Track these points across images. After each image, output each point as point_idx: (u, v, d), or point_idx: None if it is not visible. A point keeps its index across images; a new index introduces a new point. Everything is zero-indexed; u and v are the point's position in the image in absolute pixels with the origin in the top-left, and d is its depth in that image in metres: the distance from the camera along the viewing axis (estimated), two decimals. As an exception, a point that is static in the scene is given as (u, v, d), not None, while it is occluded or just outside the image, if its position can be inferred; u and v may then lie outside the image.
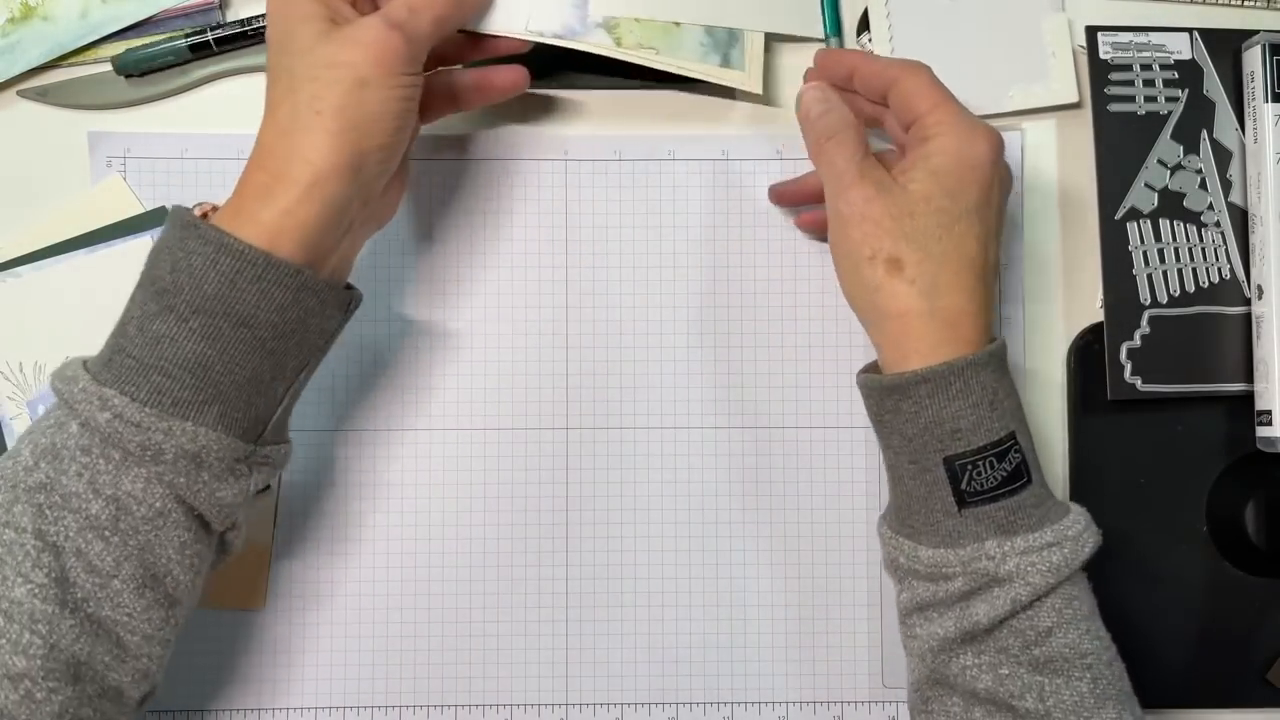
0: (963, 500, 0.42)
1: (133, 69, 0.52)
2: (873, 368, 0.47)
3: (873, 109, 0.48)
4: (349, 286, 0.45)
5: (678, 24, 0.48)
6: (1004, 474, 0.42)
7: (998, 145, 0.44)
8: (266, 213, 0.40)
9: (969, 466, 0.42)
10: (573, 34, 0.48)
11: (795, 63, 0.53)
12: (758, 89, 0.51)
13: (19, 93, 0.53)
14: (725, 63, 0.49)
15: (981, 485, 0.42)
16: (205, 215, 0.42)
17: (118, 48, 0.52)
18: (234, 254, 0.39)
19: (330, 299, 0.42)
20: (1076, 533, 0.42)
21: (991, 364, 0.42)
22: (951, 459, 0.42)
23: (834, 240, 0.45)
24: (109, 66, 0.52)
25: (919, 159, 0.44)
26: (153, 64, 0.52)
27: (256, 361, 0.40)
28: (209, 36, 0.52)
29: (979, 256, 0.43)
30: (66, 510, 0.38)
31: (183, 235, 0.40)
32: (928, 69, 0.46)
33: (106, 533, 0.39)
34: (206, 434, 0.39)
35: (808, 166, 0.53)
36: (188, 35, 0.52)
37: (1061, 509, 0.43)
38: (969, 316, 0.43)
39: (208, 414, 0.40)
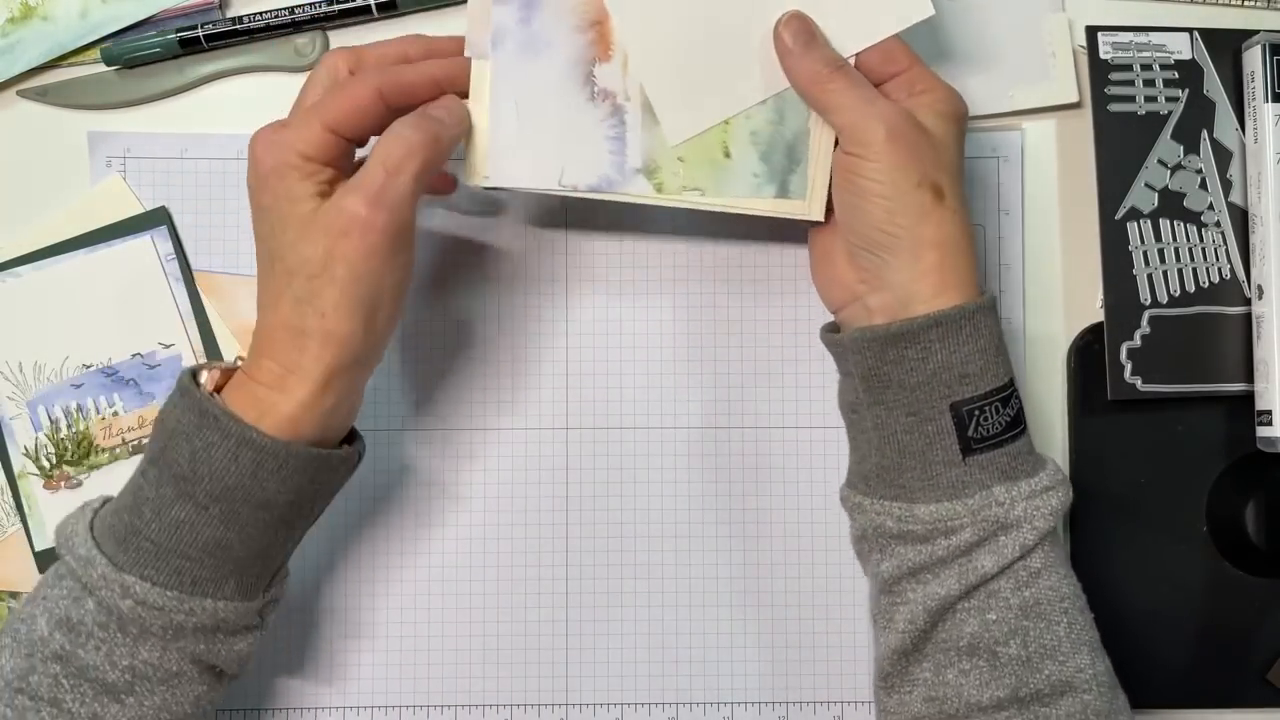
0: (969, 447, 0.42)
1: (119, 60, 0.52)
2: (835, 327, 0.47)
3: None
4: (354, 435, 0.45)
5: (728, 155, 0.44)
6: (1008, 419, 0.42)
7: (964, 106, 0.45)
8: (286, 405, 0.40)
9: (976, 412, 0.42)
10: (610, 185, 0.45)
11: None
12: (820, 216, 0.46)
13: (19, 93, 0.53)
14: (783, 192, 0.45)
15: (988, 431, 0.42)
16: (217, 386, 0.42)
17: (117, 47, 0.53)
18: (256, 448, 0.40)
19: (345, 467, 0.43)
20: (1063, 476, 0.43)
21: (994, 309, 0.43)
22: (959, 404, 0.42)
23: (867, 169, 0.43)
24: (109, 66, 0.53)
25: (922, 104, 0.44)
26: (140, 56, 0.52)
27: (273, 534, 0.42)
28: (199, 33, 0.52)
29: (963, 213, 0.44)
30: (84, 680, 0.40)
31: (200, 424, 0.40)
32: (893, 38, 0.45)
33: (123, 696, 0.40)
34: (225, 606, 0.41)
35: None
36: (179, 30, 0.52)
37: (1041, 455, 0.44)
38: (974, 260, 0.43)
39: (226, 588, 0.41)
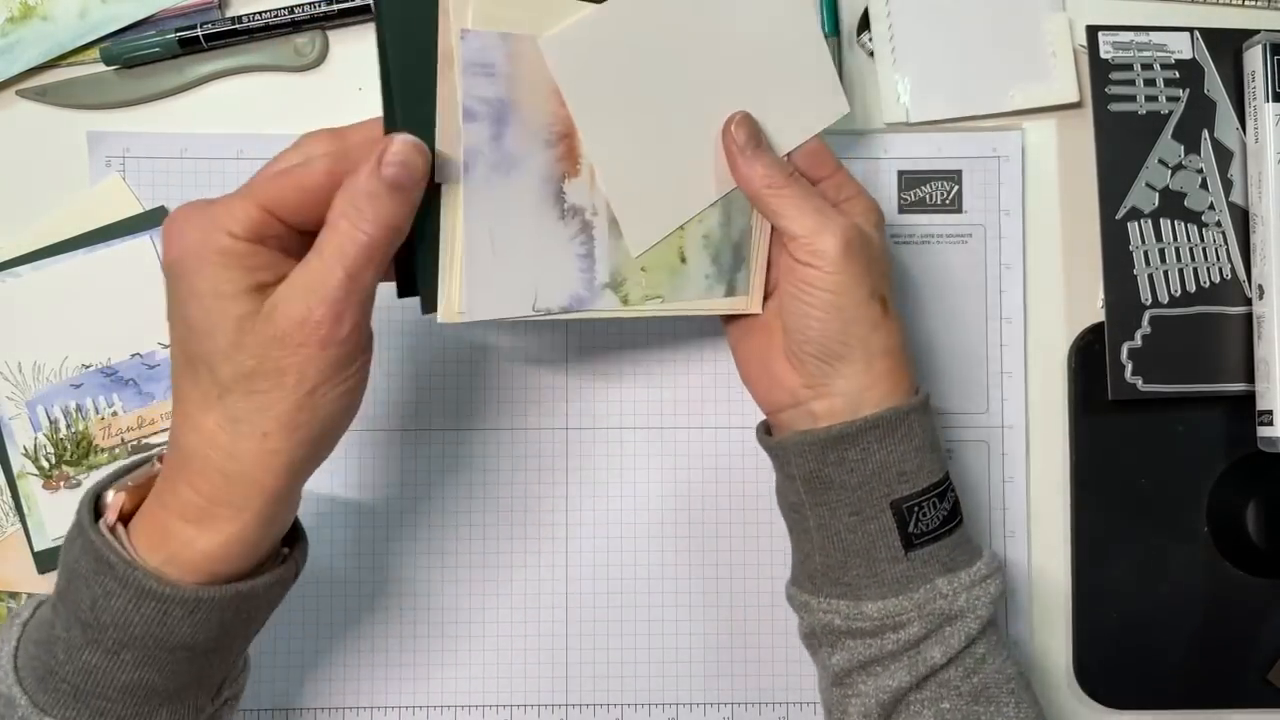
0: (910, 543, 0.42)
1: (118, 60, 0.52)
2: (768, 427, 0.47)
3: None
4: (295, 532, 0.40)
5: (683, 260, 0.45)
6: (945, 512, 0.43)
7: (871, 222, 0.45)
8: (205, 541, 0.35)
9: (916, 508, 0.42)
10: (581, 304, 0.43)
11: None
12: (758, 309, 0.47)
13: (18, 93, 0.53)
14: (730, 290, 0.46)
15: (928, 525, 0.43)
16: (123, 514, 0.37)
17: (117, 47, 0.52)
18: (159, 598, 0.35)
19: (280, 585, 0.39)
20: (999, 563, 0.44)
21: (927, 407, 0.44)
22: (899, 501, 0.42)
23: (822, 281, 0.42)
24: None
25: (855, 212, 0.45)
26: (139, 56, 0.52)
27: (202, 665, 0.37)
28: (198, 32, 0.52)
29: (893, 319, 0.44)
30: None
31: (96, 569, 0.35)
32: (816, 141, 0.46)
33: None
34: None
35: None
36: (178, 30, 0.52)
37: (976, 544, 0.45)
38: (912, 361, 0.45)
39: (159, 717, 0.37)
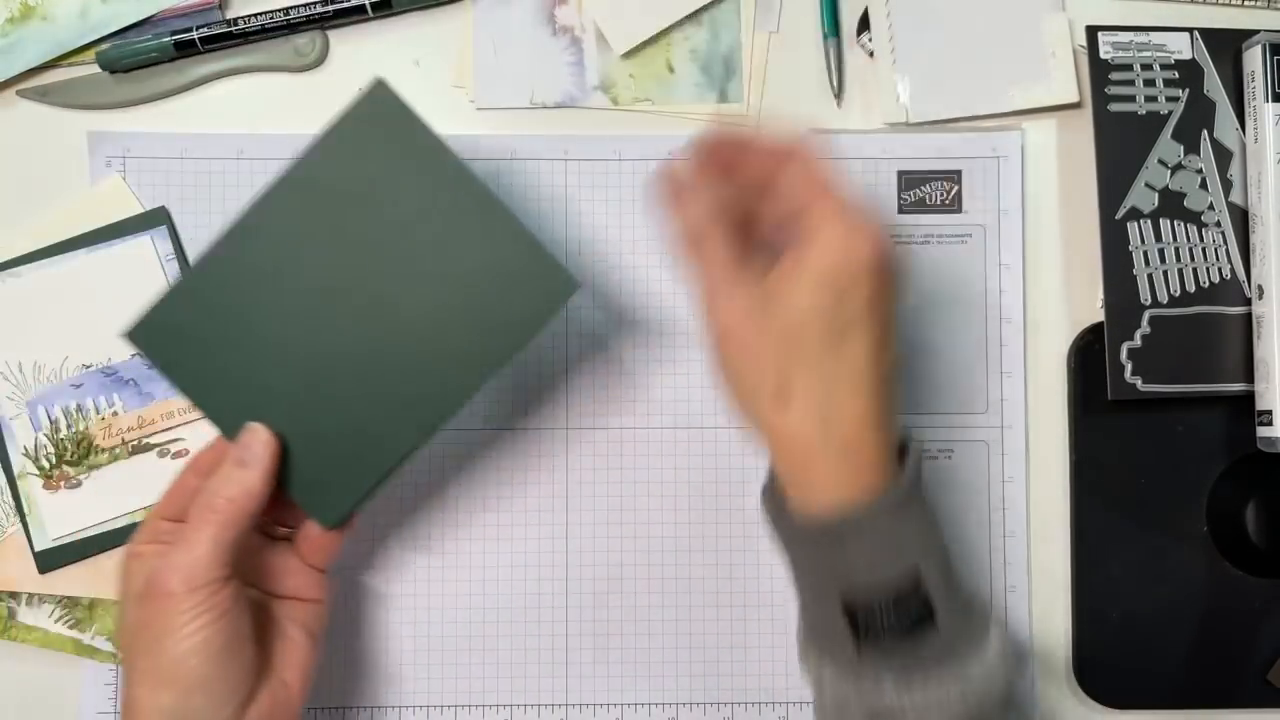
0: (862, 643, 0.40)
1: (116, 65, 0.52)
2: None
3: (749, 206, 0.42)
4: None
5: (671, 70, 0.51)
6: (906, 618, 0.39)
7: (884, 247, 0.39)
8: None
9: (864, 614, 0.39)
10: (573, 101, 0.53)
11: (793, 72, 0.53)
12: (755, 122, 0.51)
13: (19, 93, 0.53)
14: (723, 97, 0.52)
15: (881, 628, 0.39)
16: None
17: (117, 47, 0.53)
18: None
19: None
20: (985, 672, 0.39)
21: (892, 502, 0.39)
22: (850, 605, 0.39)
23: (713, 361, 0.41)
24: (108, 66, 0.53)
25: (798, 263, 0.39)
26: (136, 59, 0.52)
27: None
28: (194, 35, 0.52)
29: (872, 368, 0.39)
30: None
31: None
32: (816, 153, 0.41)
33: None
34: None
35: (808, 166, 0.53)
36: (174, 34, 0.52)
37: (977, 637, 0.40)
38: (868, 439, 0.39)
39: None
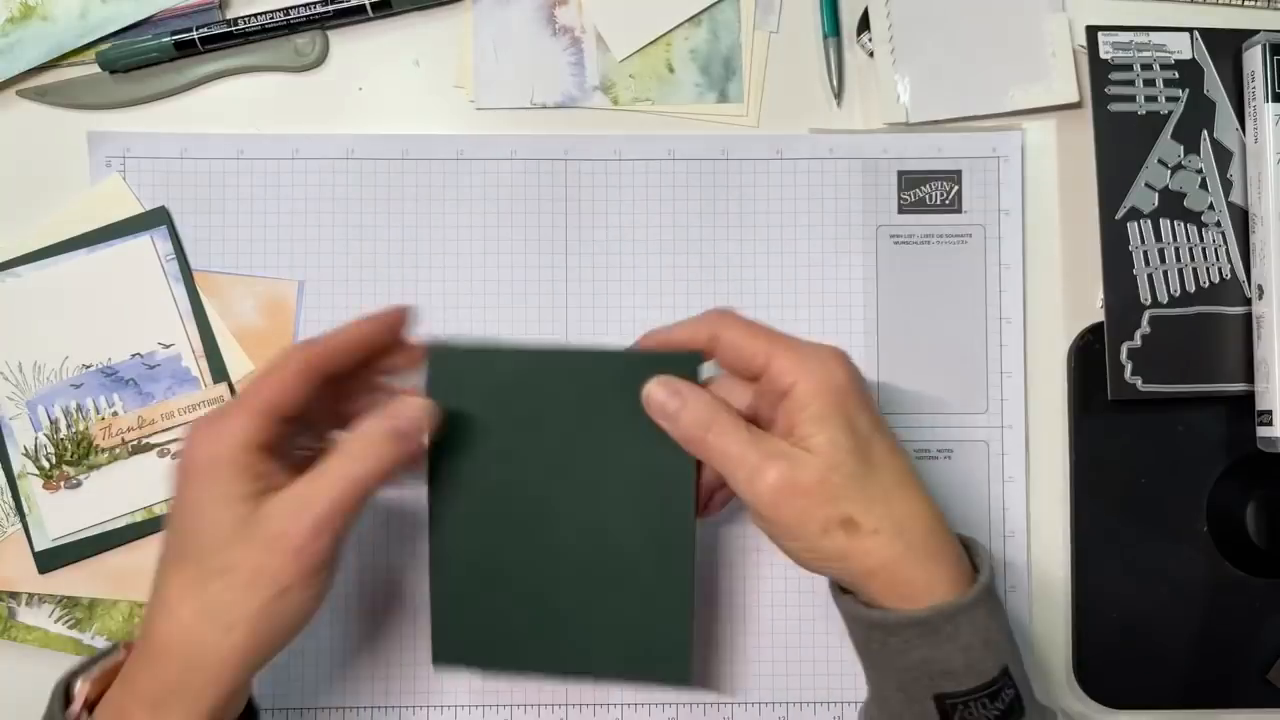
0: None
1: (116, 65, 0.52)
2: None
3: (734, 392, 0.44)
4: (250, 711, 0.43)
5: (671, 70, 0.51)
6: (997, 712, 0.40)
7: (847, 361, 0.42)
8: None
9: (960, 706, 0.40)
10: (573, 101, 0.53)
11: (793, 72, 0.53)
12: (755, 122, 0.53)
13: (18, 93, 0.53)
14: (723, 97, 0.52)
15: None
16: (88, 702, 0.40)
17: (117, 48, 0.53)
18: None
19: None
20: None
21: (984, 601, 0.41)
22: (942, 697, 0.40)
23: (769, 526, 0.42)
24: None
25: (796, 413, 0.41)
26: (136, 59, 0.52)
27: None
28: (194, 35, 0.52)
29: (906, 464, 0.42)
30: None
31: None
32: (730, 315, 0.43)
33: None
34: None
35: (807, 165, 0.53)
36: (174, 34, 0.52)
37: None
38: (936, 533, 0.41)
39: None
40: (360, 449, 0.41)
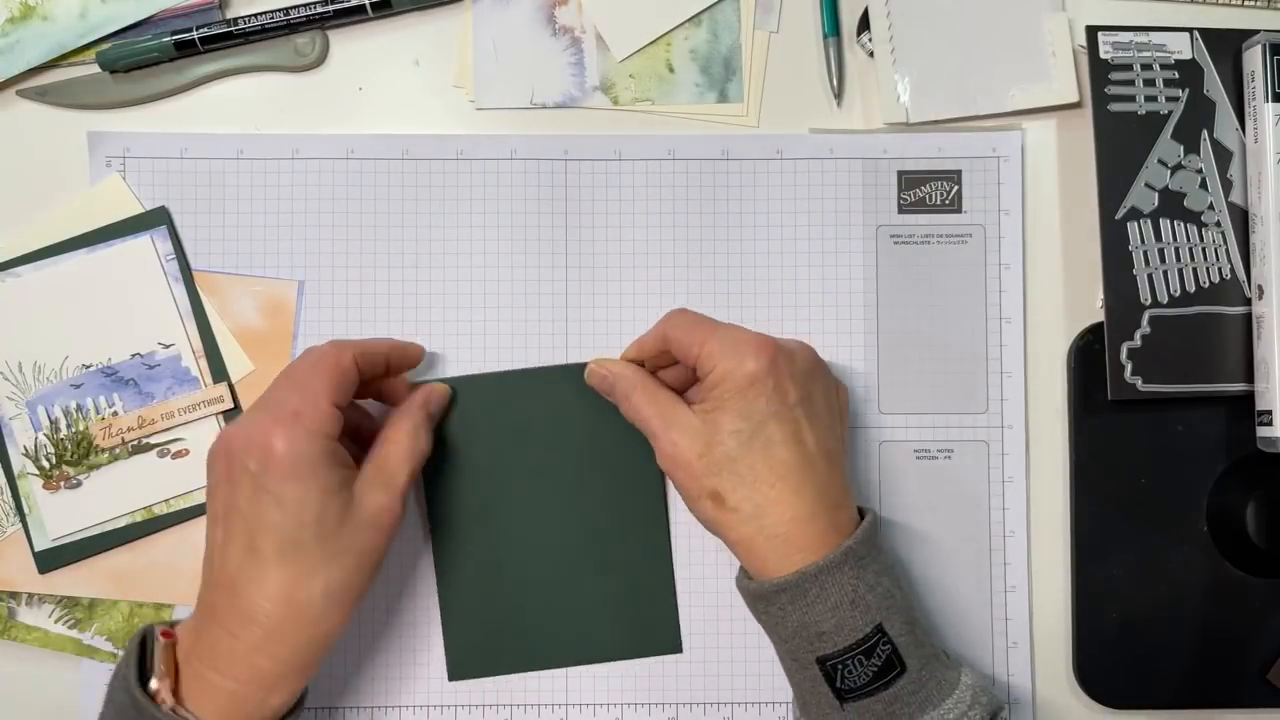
0: (842, 696, 0.43)
1: (116, 64, 0.52)
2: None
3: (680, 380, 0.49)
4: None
5: (671, 70, 0.51)
6: (875, 669, 0.43)
7: (769, 353, 0.45)
8: (277, 698, 0.42)
9: (839, 665, 0.43)
10: (573, 101, 0.53)
11: (793, 72, 0.53)
12: (755, 123, 0.53)
13: (19, 93, 0.53)
14: (723, 97, 0.52)
15: (855, 682, 0.43)
16: (168, 635, 0.43)
17: (117, 47, 0.53)
18: None
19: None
20: (959, 713, 0.43)
21: (848, 561, 0.44)
22: (823, 659, 0.43)
23: (669, 481, 0.48)
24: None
25: (706, 392, 0.45)
26: (136, 59, 0.52)
27: None
28: (194, 35, 0.52)
29: (793, 457, 0.44)
30: None
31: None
32: (681, 312, 0.48)
33: None
34: None
35: (807, 165, 0.53)
36: (174, 34, 0.52)
37: (948, 684, 0.44)
38: (801, 522, 0.44)
39: None
40: (411, 425, 0.47)
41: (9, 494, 0.52)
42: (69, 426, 0.52)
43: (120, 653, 0.51)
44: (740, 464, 0.44)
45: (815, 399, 0.46)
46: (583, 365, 0.50)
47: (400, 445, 0.46)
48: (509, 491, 0.51)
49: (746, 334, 0.46)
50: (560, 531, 0.51)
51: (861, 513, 0.47)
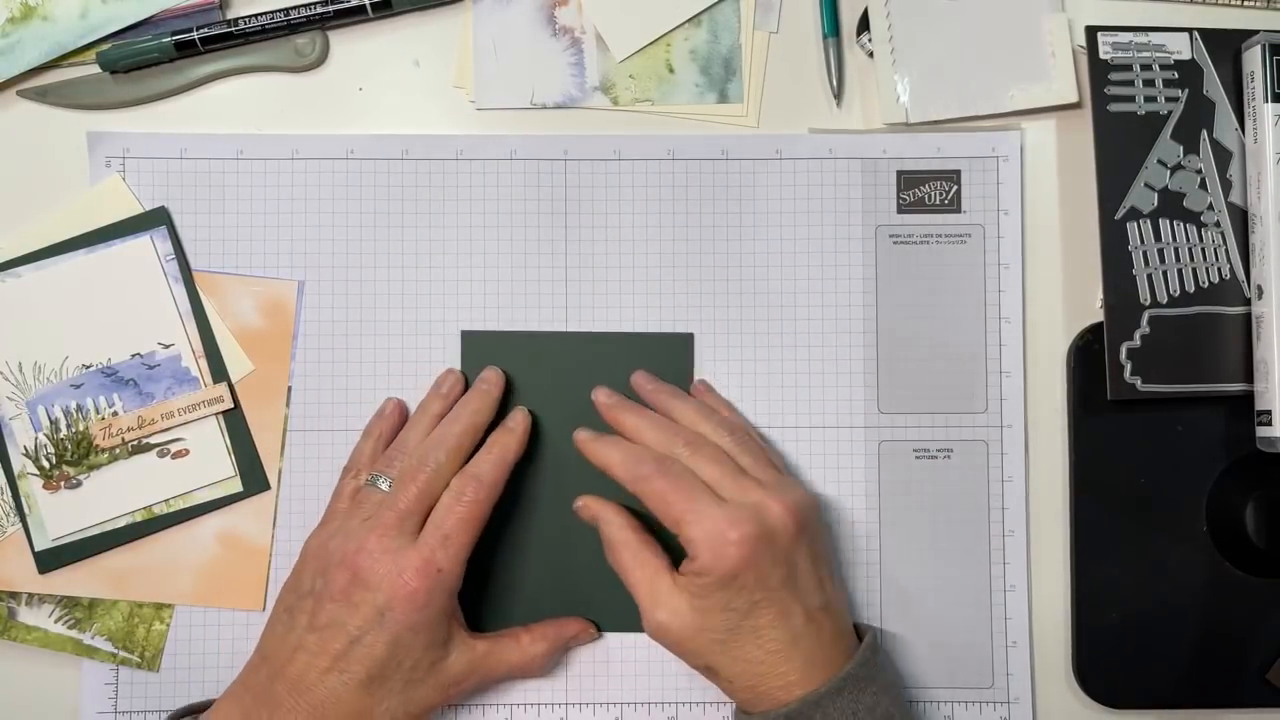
0: None
1: (116, 65, 0.52)
2: None
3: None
4: None
5: (671, 70, 0.51)
6: None
7: (750, 546, 0.44)
8: None
9: None
10: (573, 101, 0.53)
11: (793, 72, 0.53)
12: (754, 123, 0.53)
13: (19, 93, 0.53)
14: (723, 98, 0.52)
15: None
16: None
17: (117, 48, 0.53)
18: None
19: None
20: None
21: (847, 686, 0.44)
22: None
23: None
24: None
25: (689, 567, 0.46)
26: (136, 59, 0.52)
27: None
28: (194, 35, 0.52)
29: (783, 634, 0.45)
30: None
31: None
32: (652, 479, 0.46)
33: None
34: None
35: (806, 165, 0.53)
36: (174, 34, 0.52)
37: None
38: (797, 677, 0.45)
39: None
40: (546, 648, 0.50)
41: (9, 494, 0.52)
42: (69, 427, 0.52)
43: (120, 652, 0.51)
44: (729, 646, 0.45)
45: (799, 566, 0.46)
46: (588, 334, 0.52)
47: (521, 656, 0.49)
48: (540, 448, 0.52)
49: (725, 518, 0.45)
50: (560, 501, 0.51)
51: (860, 631, 0.48)
